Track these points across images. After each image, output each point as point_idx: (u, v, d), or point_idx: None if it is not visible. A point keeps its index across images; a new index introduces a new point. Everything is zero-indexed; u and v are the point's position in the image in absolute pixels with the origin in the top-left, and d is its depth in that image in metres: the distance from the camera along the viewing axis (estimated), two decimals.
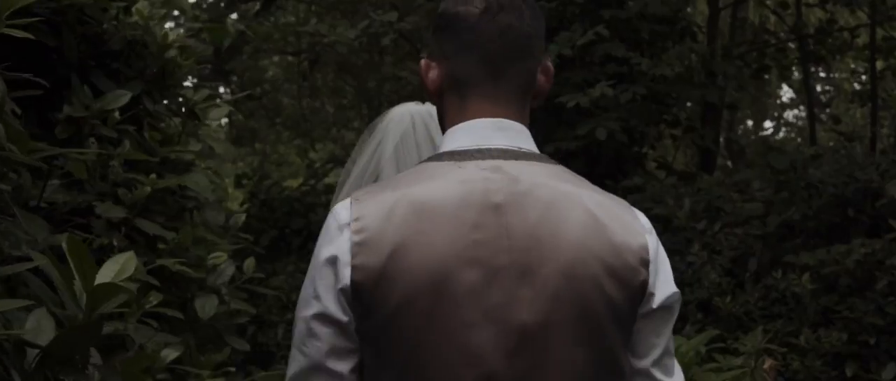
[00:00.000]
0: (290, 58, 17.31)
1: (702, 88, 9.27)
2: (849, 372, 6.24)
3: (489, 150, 1.79)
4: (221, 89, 21.10)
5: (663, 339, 1.81)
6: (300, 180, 14.71)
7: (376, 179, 3.38)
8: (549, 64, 1.94)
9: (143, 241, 3.43)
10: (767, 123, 23.09)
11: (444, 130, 1.91)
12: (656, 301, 1.76)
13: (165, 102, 3.86)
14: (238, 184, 13.17)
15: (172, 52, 3.77)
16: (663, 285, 1.78)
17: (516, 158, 1.79)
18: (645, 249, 1.74)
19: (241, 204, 12.21)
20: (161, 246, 3.49)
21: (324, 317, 1.72)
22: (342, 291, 1.69)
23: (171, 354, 3.22)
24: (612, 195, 1.84)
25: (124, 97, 3.42)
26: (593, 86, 8.25)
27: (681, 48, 9.52)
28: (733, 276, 7.07)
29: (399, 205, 1.71)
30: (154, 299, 3.24)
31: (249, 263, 3.86)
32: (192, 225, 3.64)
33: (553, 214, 1.72)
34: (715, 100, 9.40)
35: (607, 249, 1.71)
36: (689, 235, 7.28)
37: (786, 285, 6.73)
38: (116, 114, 3.42)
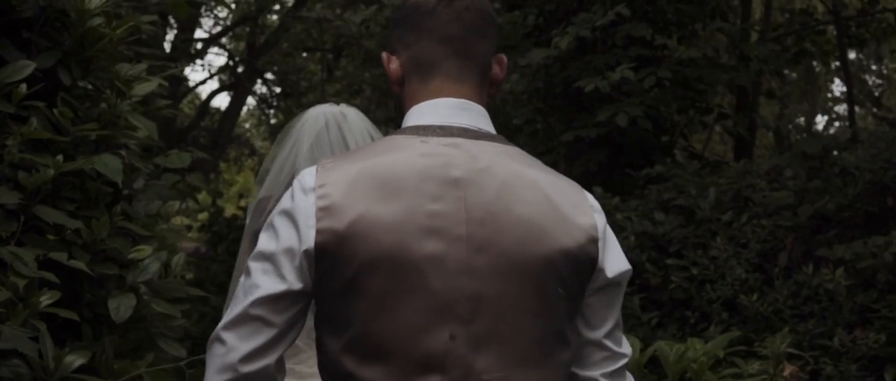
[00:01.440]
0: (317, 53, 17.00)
1: (732, 72, 8.69)
2: (888, 378, 5.60)
3: (451, 127, 1.89)
4: (259, 88, 21.13)
5: (615, 312, 1.94)
6: None
7: (293, 174, 3.49)
8: (503, 56, 2.04)
9: (53, 231, 3.01)
10: (819, 118, 22.31)
11: (405, 111, 1.99)
12: (607, 277, 1.88)
13: (90, 77, 3.43)
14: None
15: (96, 21, 3.34)
16: (613, 261, 1.89)
17: (476, 138, 1.89)
18: (594, 227, 1.86)
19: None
20: (75, 239, 3.05)
21: (278, 273, 1.81)
22: (305, 253, 1.79)
23: (76, 360, 2.89)
24: (563, 177, 1.94)
25: (27, 68, 3.05)
26: (614, 70, 7.72)
27: (710, 29, 9.00)
28: (761, 271, 6.46)
29: (363, 174, 1.81)
30: (49, 298, 2.83)
31: (177, 259, 3.40)
32: (111, 215, 3.21)
33: (508, 191, 1.82)
34: (747, 84, 8.82)
35: (559, 227, 1.82)
36: (714, 227, 6.71)
37: (818, 281, 6.09)
38: (23, 88, 3.03)
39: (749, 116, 9.64)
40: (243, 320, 1.82)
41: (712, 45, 9.47)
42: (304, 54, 18.08)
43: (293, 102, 19.05)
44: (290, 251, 1.81)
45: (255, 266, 1.85)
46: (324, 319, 1.86)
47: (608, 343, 1.93)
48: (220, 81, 20.62)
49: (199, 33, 19.31)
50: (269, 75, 19.67)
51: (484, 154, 1.85)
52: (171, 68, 5.10)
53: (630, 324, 6.31)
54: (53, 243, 2.97)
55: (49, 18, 3.28)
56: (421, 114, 1.93)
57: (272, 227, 1.86)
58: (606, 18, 7.85)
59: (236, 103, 19.68)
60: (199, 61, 19.99)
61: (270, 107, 20.64)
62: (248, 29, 19.20)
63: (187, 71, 21.37)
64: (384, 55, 2.03)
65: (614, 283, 1.89)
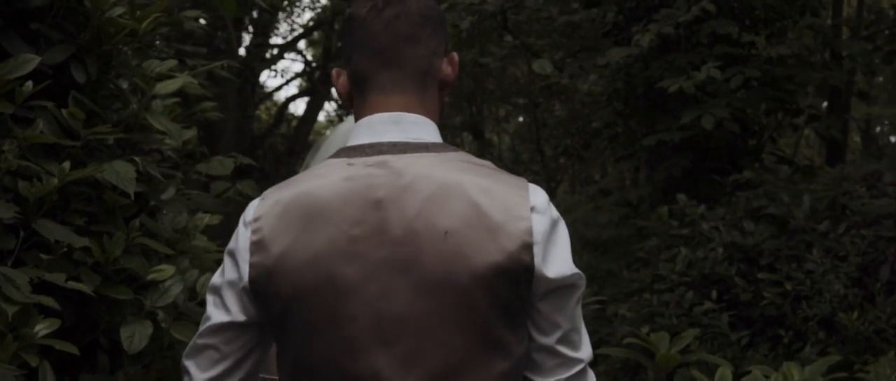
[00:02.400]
0: None
1: (824, 71, 8.12)
2: None
3: (379, 144, 1.88)
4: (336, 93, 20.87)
5: (567, 316, 1.86)
6: None
7: None
8: (455, 55, 2.01)
9: (62, 248, 2.64)
10: None
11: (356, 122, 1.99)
12: (550, 281, 1.79)
13: (110, 74, 3.07)
14: None
15: (116, 10, 2.98)
16: (557, 265, 1.80)
17: (405, 151, 1.86)
18: (528, 232, 1.78)
19: None
20: (83, 258, 2.69)
21: (224, 305, 1.89)
22: (243, 289, 1.84)
23: None
24: (507, 179, 1.87)
25: (30, 63, 2.72)
26: (699, 69, 7.23)
27: (800, 26, 8.41)
28: (861, 287, 5.91)
29: (292, 204, 1.83)
30: (46, 326, 2.47)
31: (203, 280, 3.02)
32: (128, 230, 2.84)
33: (432, 206, 1.78)
34: (840, 84, 8.27)
35: (485, 238, 1.76)
36: (809, 238, 6.18)
37: None
38: (28, 86, 2.68)
39: (842, 118, 9.09)
40: (199, 349, 1.92)
41: (802, 42, 8.91)
42: None
43: None
44: (232, 285, 1.88)
45: (208, 298, 1.93)
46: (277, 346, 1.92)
47: (561, 349, 1.87)
48: (300, 87, 20.48)
49: (277, 40, 19.29)
50: None
51: (411, 169, 1.82)
52: (213, 66, 4.74)
53: (718, 343, 5.83)
54: (55, 263, 2.60)
55: (61, 8, 2.92)
56: (355, 135, 1.93)
57: (223, 260, 1.93)
58: (690, 15, 7.34)
59: (312, 109, 19.62)
60: (274, 67, 19.90)
61: (348, 113, 20.38)
62: (323, 34, 19.09)
63: (263, 77, 21.41)
64: (334, 71, 2.02)
65: (561, 287, 1.81)
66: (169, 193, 3.29)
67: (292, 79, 22.81)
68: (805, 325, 5.78)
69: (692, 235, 6.58)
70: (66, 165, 2.62)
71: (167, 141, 3.40)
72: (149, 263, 2.89)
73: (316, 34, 20.18)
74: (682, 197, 6.85)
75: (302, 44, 20.74)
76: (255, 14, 17.15)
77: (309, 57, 20.83)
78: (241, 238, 1.86)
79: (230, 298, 1.87)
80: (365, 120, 1.92)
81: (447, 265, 1.75)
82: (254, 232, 1.84)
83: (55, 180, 2.58)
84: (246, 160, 4.28)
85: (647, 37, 7.26)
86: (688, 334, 4.56)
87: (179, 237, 3.13)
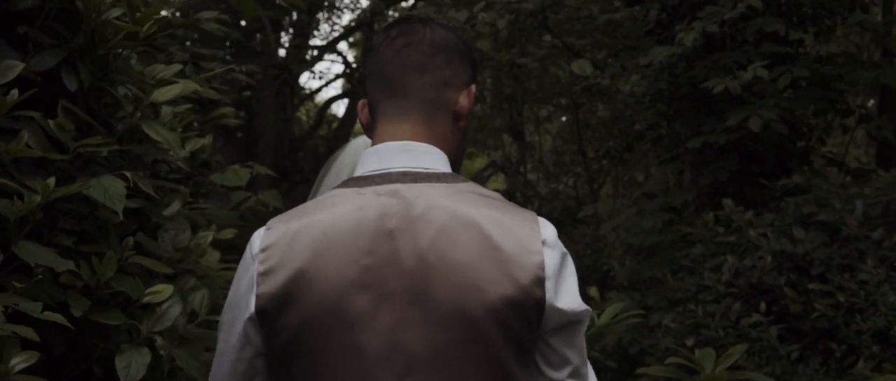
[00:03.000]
0: None
1: (876, 70, 7.77)
2: None
3: (390, 173, 1.88)
4: None
5: (577, 351, 1.87)
6: None
7: None
8: (473, 88, 2.01)
9: (39, 273, 2.42)
10: None
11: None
12: (562, 317, 1.81)
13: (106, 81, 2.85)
14: None
15: (114, 12, 2.76)
16: (567, 299, 1.82)
17: (416, 181, 1.86)
18: (540, 266, 1.79)
19: None
20: (72, 282, 2.47)
21: (238, 337, 1.85)
22: (249, 319, 1.81)
23: None
24: (517, 212, 1.87)
25: (13, 70, 2.52)
26: (746, 68, 6.93)
27: (850, 23, 8.05)
28: None
29: (301, 233, 1.82)
30: (24, 360, 2.26)
31: (201, 297, 2.79)
32: (121, 249, 2.62)
33: (444, 238, 1.78)
34: (891, 82, 7.91)
35: (498, 271, 1.76)
36: (862, 246, 5.86)
37: None
38: (14, 94, 2.49)
39: (894, 118, 8.73)
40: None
41: (852, 40, 8.58)
42: None
43: None
44: (238, 318, 1.85)
45: (220, 336, 1.92)
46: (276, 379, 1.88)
47: None
48: (344, 87, 20.35)
49: (317, 42, 19.15)
50: None
51: (422, 199, 1.83)
52: (225, 69, 4.53)
53: (766, 357, 5.53)
54: (40, 287, 2.37)
55: (53, 10, 2.71)
56: (365, 163, 1.93)
57: (231, 295, 1.90)
58: (736, 12, 7.02)
59: (353, 110, 19.47)
60: (314, 69, 19.77)
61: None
62: (363, 35, 18.95)
63: (303, 79, 21.30)
64: (360, 103, 2.04)
65: (572, 322, 1.84)
66: (173, 208, 3.07)
67: (332, 80, 22.72)
68: (858, 339, 5.45)
69: (739, 242, 6.28)
70: (51, 181, 2.40)
71: (171, 152, 3.20)
72: (148, 284, 2.67)
73: (355, 35, 20.02)
74: (728, 202, 6.55)
75: (343, 45, 20.58)
76: (294, 15, 17.02)
77: (350, 58, 20.65)
78: (248, 269, 1.84)
79: (235, 331, 1.86)
80: (373, 149, 1.94)
81: (460, 297, 1.75)
82: (261, 263, 1.81)
83: (38, 198, 2.36)
84: (264, 170, 4.06)
85: (690, 35, 6.97)
86: (735, 350, 4.29)
87: (182, 256, 2.90)
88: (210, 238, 3.02)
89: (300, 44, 17.16)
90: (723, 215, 6.55)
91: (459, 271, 1.76)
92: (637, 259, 8.60)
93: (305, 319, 1.76)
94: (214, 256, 3.46)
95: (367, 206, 1.82)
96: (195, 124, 3.93)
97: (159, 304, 2.61)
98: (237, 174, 3.79)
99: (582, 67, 7.39)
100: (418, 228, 1.79)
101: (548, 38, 10.25)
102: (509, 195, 15.40)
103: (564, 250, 1.88)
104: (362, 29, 18.63)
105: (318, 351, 1.77)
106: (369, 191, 1.85)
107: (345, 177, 3.48)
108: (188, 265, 2.92)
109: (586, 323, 1.88)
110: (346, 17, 20.07)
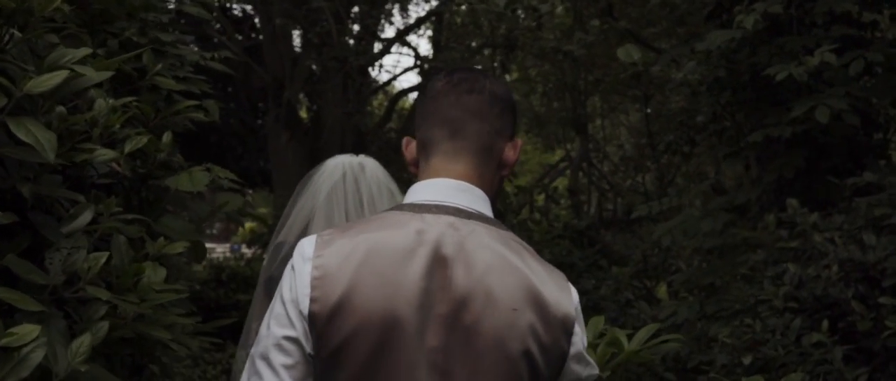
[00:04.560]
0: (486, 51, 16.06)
1: None
2: None
3: (446, 206, 2.02)
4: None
5: None
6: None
7: (309, 222, 3.84)
8: (519, 141, 2.18)
9: None
10: None
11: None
12: (577, 371, 1.99)
13: None
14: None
15: None
16: (584, 358, 2.00)
17: (469, 218, 2.01)
18: (570, 320, 1.96)
19: None
20: None
21: (289, 338, 1.92)
22: (301, 315, 1.91)
23: None
24: (550, 267, 2.04)
25: None
26: (813, 53, 6.23)
27: None
28: None
29: (358, 247, 1.93)
30: None
31: (80, 343, 2.24)
32: None
33: (493, 275, 1.92)
34: None
35: (538, 316, 1.92)
36: None
37: None
38: None
39: None
40: (267, 352, 1.95)
41: None
42: (485, 50, 17.08)
43: None
44: (294, 308, 1.93)
45: (264, 324, 1.99)
46: None
47: None
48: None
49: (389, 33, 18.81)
50: None
51: (474, 236, 1.98)
52: (190, 54, 3.99)
53: (832, 379, 4.87)
54: None
55: None
56: (419, 192, 2.07)
57: (278, 295, 1.97)
58: None
59: None
60: (380, 62, 19.37)
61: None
62: (433, 25, 18.55)
63: (374, 71, 20.90)
64: (405, 140, 2.18)
65: (584, 378, 2.01)
66: (79, 221, 2.54)
67: (402, 73, 22.43)
68: None
69: (802, 248, 5.60)
70: None
71: (101, 153, 2.68)
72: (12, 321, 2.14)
73: (426, 25, 19.61)
74: (791, 202, 5.85)
75: (413, 38, 20.18)
76: (356, 9, 16.60)
77: (421, 50, 20.22)
78: (302, 273, 1.94)
79: (294, 316, 1.93)
80: (430, 181, 2.07)
81: (501, 333, 1.88)
82: (316, 267, 1.92)
83: None
84: (225, 173, 3.52)
85: (751, 17, 6.27)
86: (791, 379, 3.68)
87: (64, 284, 2.36)
88: (100, 262, 2.46)
89: (363, 35, 16.70)
90: (786, 216, 5.85)
91: (503, 309, 1.90)
92: (702, 262, 7.98)
93: (357, 328, 1.86)
94: (159, 274, 2.94)
95: (426, 230, 1.96)
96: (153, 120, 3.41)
97: (19, 348, 2.07)
98: (193, 179, 3.25)
99: (628, 52, 6.72)
100: (471, 261, 1.93)
101: (595, 22, 9.59)
102: (574, 191, 14.81)
103: (582, 316, 2.05)
104: (431, 19, 18.21)
105: (366, 362, 1.87)
106: (428, 217, 1.98)
107: (322, 197, 3.90)
108: (73, 295, 2.38)
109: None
110: (417, 9, 19.69)
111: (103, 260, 2.40)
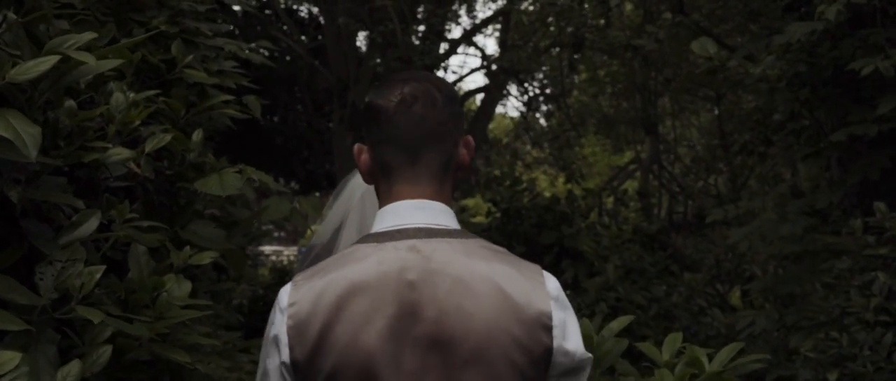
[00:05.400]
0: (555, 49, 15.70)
1: None
2: None
3: (407, 230, 2.02)
4: (513, 91, 20.08)
5: None
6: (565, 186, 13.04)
7: (342, 224, 3.65)
8: (470, 138, 2.15)
9: None
10: None
11: (379, 207, 2.13)
12: (566, 363, 1.98)
13: None
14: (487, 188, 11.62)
15: None
16: (571, 347, 1.98)
17: (431, 236, 2.01)
18: (547, 316, 1.94)
19: (486, 214, 10.37)
20: None
21: None
22: (284, 365, 1.94)
23: None
24: (523, 265, 2.01)
25: None
26: None
27: None
28: None
29: (327, 289, 1.94)
30: None
31: (70, 369, 1.94)
32: None
33: (461, 289, 1.92)
34: None
35: (513, 319, 1.92)
36: None
37: None
38: None
39: None
40: None
41: None
42: (552, 50, 16.72)
43: (551, 101, 18.12)
44: (275, 368, 1.95)
45: (259, 370, 2.02)
46: None
47: None
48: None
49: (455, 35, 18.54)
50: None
51: (438, 253, 1.97)
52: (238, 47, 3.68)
53: None
54: None
55: None
56: (381, 220, 2.08)
57: (264, 349, 1.99)
58: None
59: (488, 104, 18.83)
60: (445, 63, 19.10)
61: (529, 108, 19.46)
62: (501, 25, 18.25)
63: (439, 73, 20.63)
64: (356, 147, 2.14)
65: (576, 368, 2.00)
66: (82, 230, 2.24)
67: (468, 74, 22.21)
68: None
69: (893, 256, 5.19)
70: None
71: (115, 152, 2.39)
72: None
73: (491, 27, 19.32)
74: (879, 206, 5.45)
75: (480, 38, 19.92)
76: (420, 10, 16.34)
77: (488, 50, 19.91)
78: (278, 324, 1.96)
79: (278, 366, 1.95)
80: (390, 206, 2.07)
81: (478, 343, 1.89)
82: (290, 317, 1.94)
83: None
84: (262, 177, 3.22)
85: (834, 8, 5.87)
86: None
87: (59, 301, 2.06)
88: (183, 262, 2.23)
89: (429, 35, 16.42)
90: (874, 221, 5.45)
91: (476, 320, 1.89)
92: (779, 268, 7.56)
93: (336, 366, 1.88)
94: (183, 288, 2.66)
95: (387, 260, 1.96)
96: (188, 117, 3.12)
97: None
98: (223, 181, 2.95)
99: (703, 46, 6.33)
100: (436, 280, 1.93)
101: (667, 15, 9.19)
102: (644, 193, 14.41)
103: (566, 301, 2.02)
104: (498, 18, 17.91)
105: None
106: (389, 246, 1.99)
107: (356, 199, 3.75)
108: (76, 311, 2.07)
109: (588, 370, 2.04)
110: (484, 10, 19.41)
111: (98, 274, 2.10)
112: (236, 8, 20.14)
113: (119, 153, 2.54)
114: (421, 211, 2.04)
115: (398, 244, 1.98)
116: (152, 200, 2.88)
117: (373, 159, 2.10)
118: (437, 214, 2.05)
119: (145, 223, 2.52)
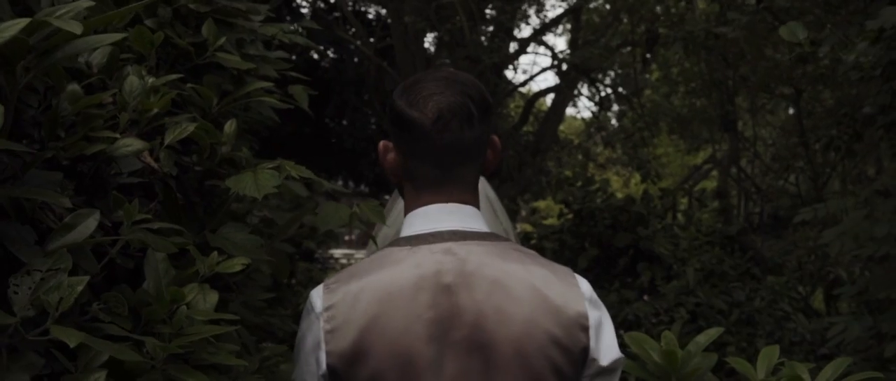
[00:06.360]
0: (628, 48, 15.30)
1: None
2: None
3: (441, 233, 2.03)
4: (584, 91, 19.71)
5: None
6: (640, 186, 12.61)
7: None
8: (496, 138, 2.14)
9: None
10: None
11: (405, 209, 2.14)
12: (600, 364, 1.98)
13: None
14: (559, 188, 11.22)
15: None
16: (606, 348, 2.00)
17: (465, 239, 2.02)
18: (584, 316, 1.96)
19: (558, 216, 9.95)
20: None
21: None
22: (322, 376, 1.93)
23: None
24: (555, 267, 2.04)
25: None
26: None
27: None
28: None
29: (363, 292, 1.94)
30: None
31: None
32: None
33: (499, 291, 1.94)
34: None
35: (551, 320, 1.94)
36: None
37: None
38: None
39: None
40: None
41: None
42: (624, 48, 16.31)
43: (622, 100, 17.74)
44: (311, 374, 1.96)
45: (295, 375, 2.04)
46: None
47: None
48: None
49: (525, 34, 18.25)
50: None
51: (473, 256, 1.98)
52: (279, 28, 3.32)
53: None
54: None
55: None
56: (412, 224, 2.07)
57: (297, 352, 2.03)
58: None
59: (559, 104, 18.55)
60: (515, 62, 18.84)
61: (601, 108, 19.12)
62: (571, 23, 17.94)
63: (510, 73, 20.35)
64: (382, 144, 2.14)
65: (610, 369, 2.00)
66: (73, 235, 1.91)
67: (539, 73, 21.97)
68: None
69: None
70: None
71: (124, 143, 2.07)
72: None
73: (563, 22, 18.99)
74: None
75: (550, 37, 19.62)
76: (489, 9, 16.04)
77: (558, 49, 19.55)
78: (314, 329, 1.96)
79: (316, 370, 1.94)
80: (421, 210, 2.08)
81: (518, 344, 1.90)
82: (327, 321, 1.94)
83: None
84: (302, 172, 2.85)
85: None
86: None
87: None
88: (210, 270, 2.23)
89: (497, 33, 16.09)
90: None
91: (515, 321, 1.91)
92: (869, 272, 7.09)
93: (376, 372, 1.88)
94: (209, 300, 2.32)
95: (424, 263, 1.97)
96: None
97: None
98: (258, 179, 2.59)
99: (793, 31, 5.87)
100: (473, 282, 1.94)
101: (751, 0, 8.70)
102: (722, 193, 13.92)
103: (599, 301, 2.04)
104: (568, 16, 17.58)
105: None
106: (424, 249, 2.00)
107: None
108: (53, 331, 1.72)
109: (620, 370, 2.03)
110: (554, 9, 19.03)
111: (80, 286, 1.73)
112: (304, 10, 20.06)
113: (129, 145, 2.20)
114: (452, 215, 2.05)
115: (433, 247, 2.00)
116: (175, 199, 2.52)
117: (401, 165, 2.10)
118: (467, 217, 2.07)
119: (156, 225, 2.17)
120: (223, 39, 2.86)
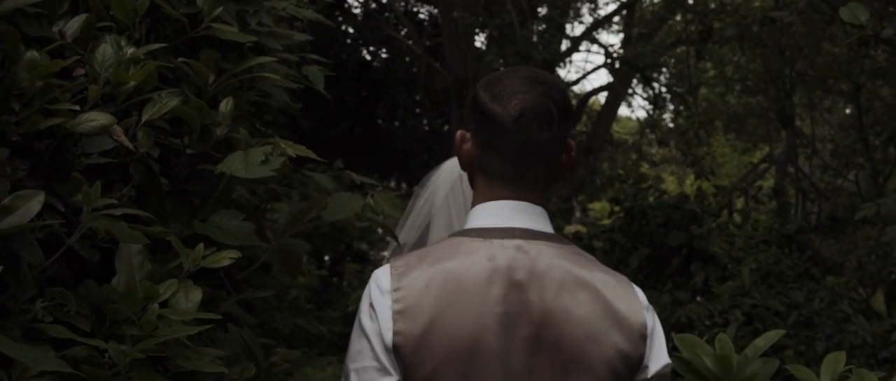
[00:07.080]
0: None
1: None
2: None
3: (512, 229, 2.04)
4: (638, 90, 19.38)
5: None
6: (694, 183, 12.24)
7: (429, 224, 3.89)
8: (571, 142, 2.13)
9: None
10: None
11: (474, 200, 2.15)
12: (651, 371, 2.01)
13: None
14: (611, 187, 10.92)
15: None
16: (658, 356, 2.02)
17: (535, 239, 2.03)
18: (644, 325, 2.00)
19: (608, 214, 9.61)
20: None
21: (377, 369, 1.93)
22: (386, 349, 1.92)
23: None
24: (617, 275, 2.07)
25: None
26: None
27: None
28: None
29: (435, 278, 1.96)
30: None
31: None
32: None
33: (566, 292, 1.97)
34: None
35: (614, 326, 1.96)
36: None
37: None
38: None
39: None
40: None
41: None
42: (678, 48, 15.94)
43: (677, 99, 17.36)
44: (379, 341, 1.93)
45: (352, 366, 1.97)
46: None
47: None
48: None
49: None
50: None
51: (543, 256, 1.99)
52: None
53: None
54: None
55: None
56: (481, 215, 2.08)
57: (360, 328, 1.98)
58: None
59: (612, 103, 18.24)
60: (568, 59, 18.54)
61: (655, 106, 18.75)
62: (623, 20, 17.61)
63: (562, 71, 20.05)
64: (460, 133, 2.14)
65: (658, 375, 2.01)
66: (14, 217, 1.64)
67: (592, 71, 21.66)
68: None
69: None
70: None
71: (87, 118, 1.81)
72: None
73: (616, 19, 18.66)
74: None
75: (603, 35, 19.27)
76: (541, 7, 15.74)
77: (611, 46, 19.21)
78: (381, 306, 1.95)
79: (379, 350, 1.92)
80: (491, 205, 2.08)
81: (582, 347, 1.92)
82: (396, 301, 1.94)
83: None
84: (301, 152, 2.58)
85: None
86: None
87: None
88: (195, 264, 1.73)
89: (548, 30, 15.76)
90: None
91: (581, 324, 1.93)
92: None
93: (443, 358, 1.88)
94: (192, 297, 2.05)
95: (497, 257, 1.98)
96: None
97: None
98: (248, 161, 2.33)
99: (853, 11, 5.51)
100: (543, 282, 1.96)
101: None
102: (779, 192, 13.51)
103: (653, 309, 2.06)
104: (621, 13, 17.25)
105: None
106: (496, 243, 2.01)
107: (440, 199, 3.92)
108: None
109: (669, 376, 2.04)
110: (606, 7, 18.77)
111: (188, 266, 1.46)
112: (356, 11, 19.91)
113: (92, 119, 1.93)
114: (522, 213, 2.05)
115: (505, 242, 2.00)
116: (157, 184, 2.25)
117: (476, 156, 2.09)
118: (536, 216, 2.07)
119: (121, 211, 1.89)
120: (220, 9, 2.59)
